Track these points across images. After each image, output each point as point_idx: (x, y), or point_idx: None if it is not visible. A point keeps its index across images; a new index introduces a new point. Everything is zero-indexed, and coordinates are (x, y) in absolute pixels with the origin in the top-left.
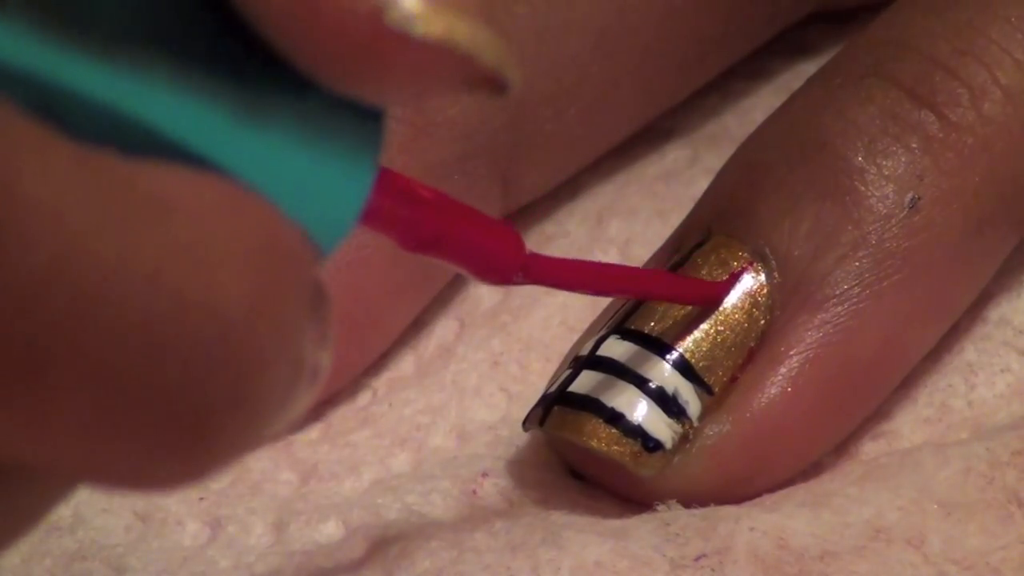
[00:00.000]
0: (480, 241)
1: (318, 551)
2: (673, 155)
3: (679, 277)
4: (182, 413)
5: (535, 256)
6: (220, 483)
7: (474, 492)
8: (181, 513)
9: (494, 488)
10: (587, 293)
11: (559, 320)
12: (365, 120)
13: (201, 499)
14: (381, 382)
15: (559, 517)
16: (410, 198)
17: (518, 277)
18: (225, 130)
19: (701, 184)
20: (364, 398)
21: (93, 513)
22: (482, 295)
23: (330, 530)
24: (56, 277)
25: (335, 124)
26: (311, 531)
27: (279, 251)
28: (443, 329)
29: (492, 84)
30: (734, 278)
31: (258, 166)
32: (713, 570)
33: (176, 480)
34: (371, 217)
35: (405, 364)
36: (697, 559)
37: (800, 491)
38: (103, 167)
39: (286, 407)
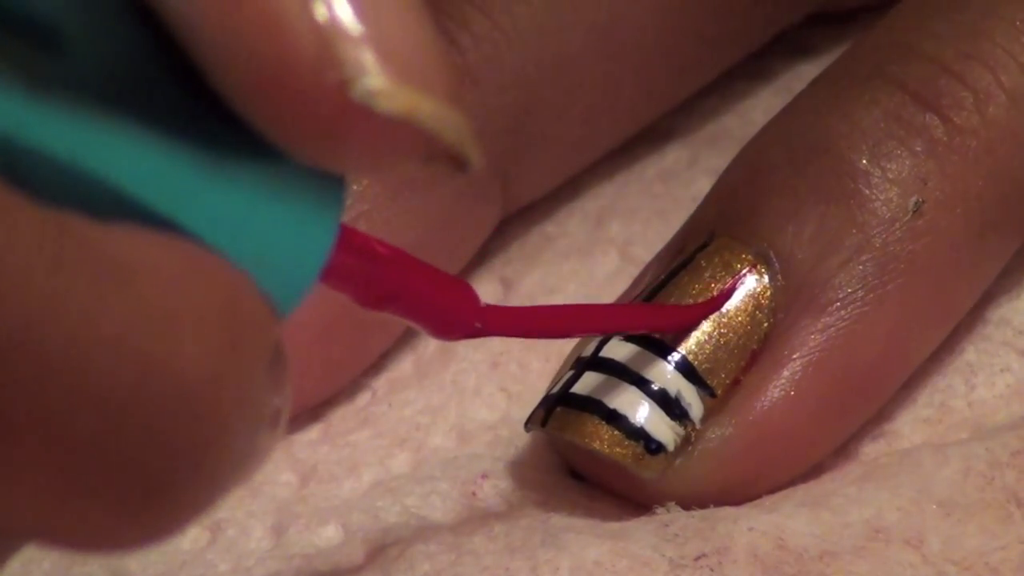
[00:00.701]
0: (436, 297)
1: (317, 555)
2: (673, 155)
3: (642, 307)
4: (144, 476)
5: (492, 308)
6: None
7: (473, 494)
8: None
9: (493, 490)
10: (549, 338)
11: None
12: (328, 181)
13: None
14: (381, 382)
15: (559, 519)
16: (368, 255)
17: (474, 331)
18: (189, 192)
19: (701, 184)
20: (364, 398)
21: None
22: (482, 295)
23: (329, 533)
24: (22, 343)
25: (298, 185)
26: (310, 534)
27: (242, 314)
28: None
29: (453, 161)
30: (697, 309)
31: (221, 228)
32: (712, 570)
33: (140, 542)
34: (330, 275)
35: (405, 364)
36: (696, 559)
37: (799, 491)
38: (69, 231)
39: (248, 460)
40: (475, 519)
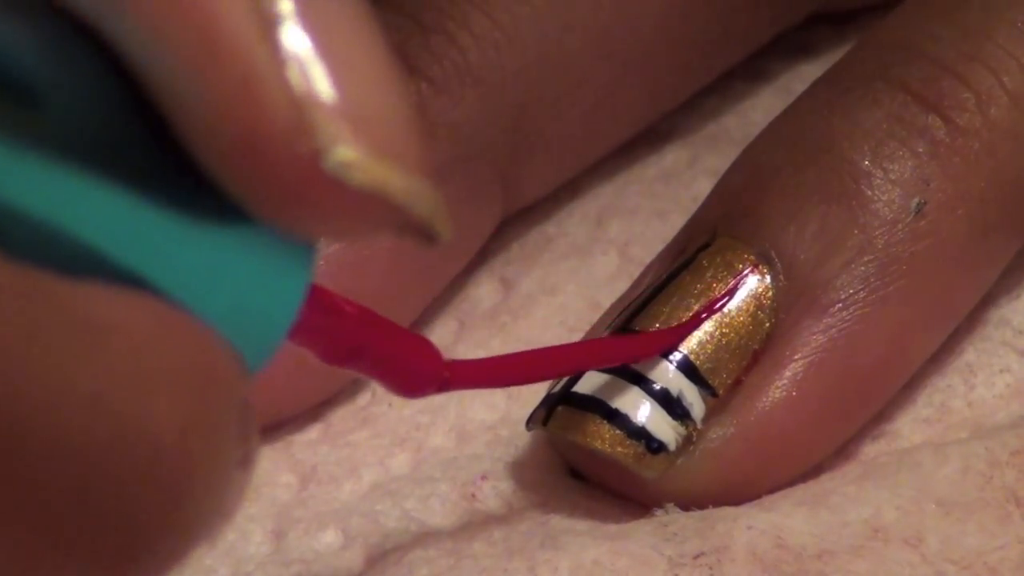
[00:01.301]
0: (400, 355)
1: (317, 560)
2: (672, 156)
3: (610, 341)
4: (115, 533)
5: (456, 363)
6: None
7: (473, 496)
8: None
9: (493, 491)
10: (517, 385)
11: (559, 320)
12: (299, 240)
13: None
14: None
15: (558, 522)
16: (335, 313)
17: (439, 387)
18: (160, 250)
19: (701, 185)
20: (364, 398)
21: None
22: (482, 295)
23: (329, 539)
24: None
25: (269, 244)
26: (310, 540)
27: (212, 373)
28: (443, 329)
29: (422, 234)
30: (667, 334)
31: (192, 286)
32: (711, 568)
33: None
34: (297, 332)
35: None
36: (695, 557)
37: (798, 490)
38: (42, 289)
39: (219, 511)
40: (475, 523)
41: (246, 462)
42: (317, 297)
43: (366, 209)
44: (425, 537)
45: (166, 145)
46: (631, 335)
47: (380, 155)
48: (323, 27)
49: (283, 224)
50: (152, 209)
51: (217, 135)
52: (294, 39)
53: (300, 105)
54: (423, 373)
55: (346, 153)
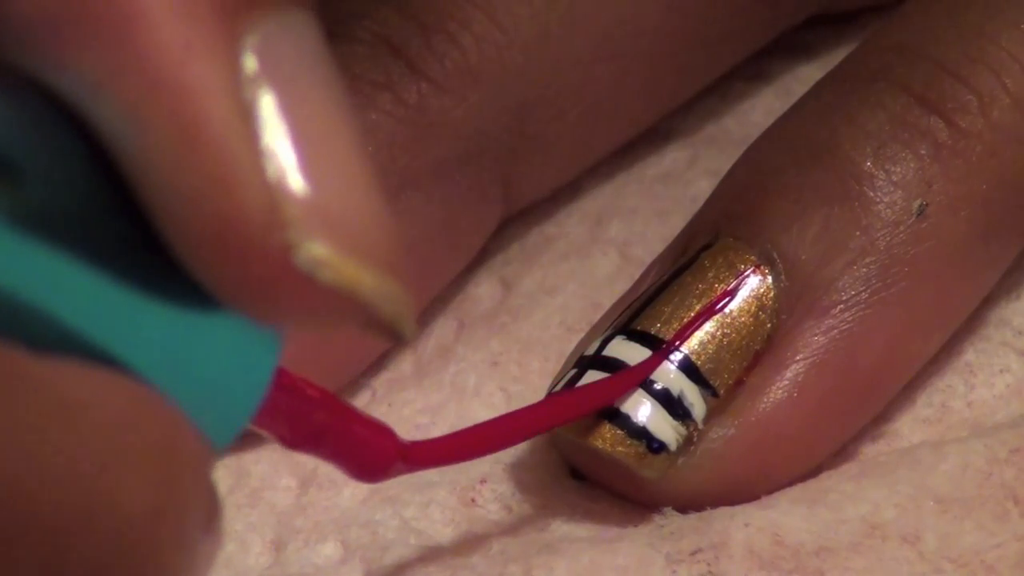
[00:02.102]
0: (359, 439)
1: (316, 573)
2: (672, 156)
3: (568, 396)
4: None
5: (415, 445)
6: (219, 488)
7: (473, 501)
8: None
9: (492, 494)
10: (478, 457)
11: (559, 320)
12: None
13: None
14: (380, 382)
15: (558, 527)
16: (297, 397)
17: (397, 471)
18: (130, 328)
19: (700, 185)
20: (363, 398)
21: None
22: (481, 295)
23: (328, 551)
24: None
25: (238, 326)
26: (309, 551)
27: (182, 453)
28: (442, 329)
29: (388, 333)
30: (625, 377)
31: (161, 365)
32: (709, 565)
33: None
34: (261, 414)
35: (404, 364)
36: (693, 554)
37: (796, 488)
38: (13, 363)
39: None
40: (474, 533)
41: (213, 538)
42: (282, 380)
43: (333, 305)
44: (424, 551)
45: (140, 224)
46: (586, 387)
47: (351, 253)
48: (302, 123)
49: (248, 312)
50: (124, 288)
51: (190, 222)
52: (273, 133)
53: (275, 199)
54: (381, 457)
55: (317, 250)
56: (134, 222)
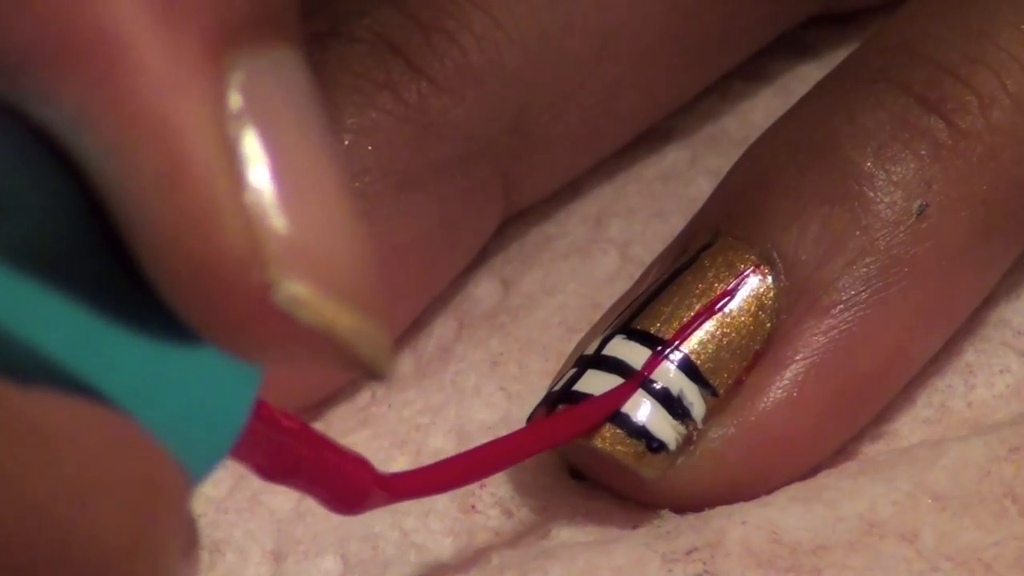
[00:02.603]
0: (337, 471)
1: None
2: (672, 156)
3: (545, 424)
4: None
5: (392, 477)
6: (218, 491)
7: (472, 507)
8: None
9: (492, 499)
10: (456, 488)
11: (559, 320)
12: (242, 379)
13: (200, 516)
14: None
15: (559, 531)
16: (275, 428)
17: (374, 503)
18: (110, 359)
19: (700, 185)
20: (363, 398)
21: None
22: (481, 295)
23: (328, 564)
24: None
25: (217, 361)
26: (309, 565)
27: (160, 486)
28: (442, 329)
29: (367, 372)
30: (600, 403)
31: (140, 397)
32: (704, 564)
33: None
34: (239, 446)
35: (404, 364)
36: (688, 553)
37: (793, 486)
38: None
39: None
40: (474, 545)
41: (190, 569)
42: (260, 412)
43: (312, 344)
44: (425, 568)
45: (122, 256)
46: (561, 414)
47: (330, 293)
48: (285, 161)
49: (226, 348)
50: (105, 319)
51: (170, 258)
52: (255, 171)
53: (255, 237)
54: (358, 489)
55: (296, 289)
56: (116, 254)
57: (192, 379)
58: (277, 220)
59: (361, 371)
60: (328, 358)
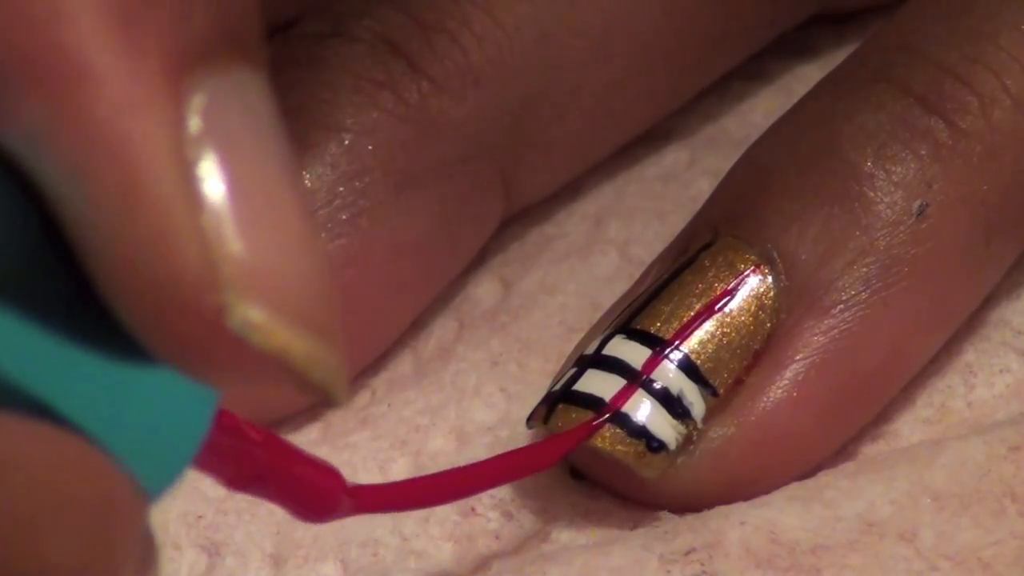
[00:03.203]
0: (304, 481)
1: None
2: (672, 156)
3: (510, 456)
4: None
5: (361, 488)
6: (219, 492)
7: (472, 510)
8: (180, 536)
9: (492, 501)
10: (424, 507)
11: (559, 320)
12: (200, 400)
13: (200, 517)
14: (380, 382)
15: (559, 533)
16: (240, 439)
17: (343, 512)
18: (64, 379)
19: (700, 185)
20: (363, 398)
21: None
22: (482, 295)
23: (327, 570)
24: None
25: (174, 378)
26: (308, 570)
27: (113, 505)
28: (442, 329)
29: (321, 397)
30: (572, 435)
31: (96, 416)
32: (703, 564)
33: None
34: (203, 457)
35: (404, 364)
36: (686, 553)
37: (792, 486)
38: None
39: None
40: (474, 550)
41: (147, 558)
42: (224, 422)
43: (265, 368)
44: (424, 573)
45: (79, 276)
46: (533, 446)
47: (284, 318)
48: (243, 185)
49: (181, 368)
50: (59, 338)
51: (126, 278)
52: (213, 194)
53: (211, 260)
54: (326, 498)
55: (250, 313)
56: (73, 275)
57: (148, 398)
58: (233, 243)
59: (315, 396)
60: (282, 382)
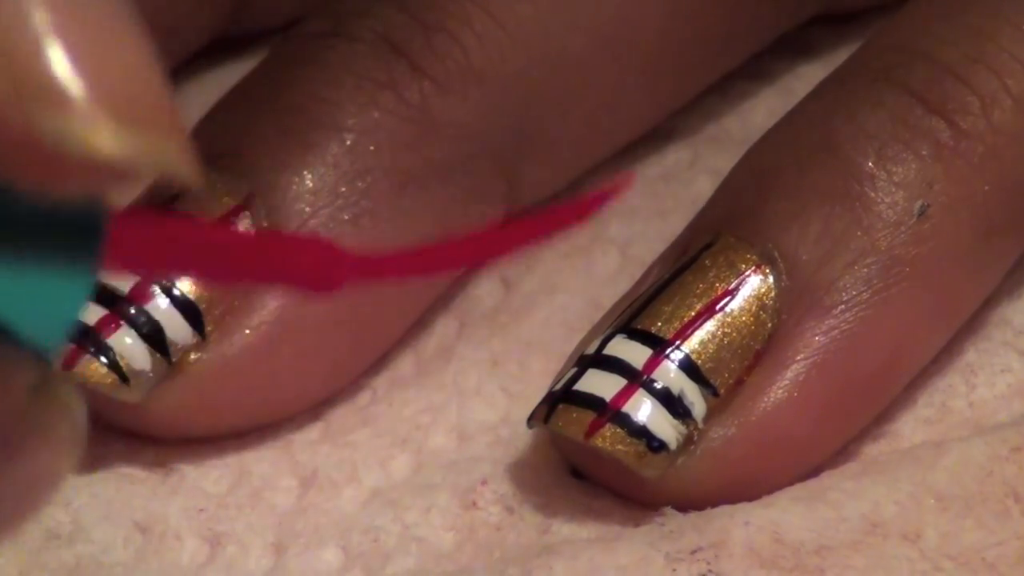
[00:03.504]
0: (289, 256)
1: None
2: (673, 156)
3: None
4: None
5: (362, 257)
6: (219, 488)
7: (474, 504)
8: (181, 527)
9: (494, 496)
10: (433, 273)
11: (559, 320)
12: (83, 219)
13: (201, 510)
14: (381, 382)
15: (559, 527)
16: (211, 236)
17: (343, 275)
18: None
19: (701, 185)
20: (364, 398)
21: (92, 521)
22: (482, 295)
23: (329, 556)
24: None
25: (51, 214)
26: (310, 557)
27: None
28: (443, 329)
29: (176, 181)
30: (593, 201)
31: None
32: (708, 563)
33: None
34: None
35: (405, 364)
36: (693, 552)
37: (796, 486)
38: None
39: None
40: (475, 539)
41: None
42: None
43: (92, 170)
44: (425, 560)
45: None
46: (552, 211)
47: (106, 117)
48: None
49: (19, 183)
50: None
51: None
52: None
53: (24, 73)
54: (321, 269)
55: (64, 121)
56: None
57: (23, 247)
58: (52, 52)
59: (172, 183)
60: (118, 179)
